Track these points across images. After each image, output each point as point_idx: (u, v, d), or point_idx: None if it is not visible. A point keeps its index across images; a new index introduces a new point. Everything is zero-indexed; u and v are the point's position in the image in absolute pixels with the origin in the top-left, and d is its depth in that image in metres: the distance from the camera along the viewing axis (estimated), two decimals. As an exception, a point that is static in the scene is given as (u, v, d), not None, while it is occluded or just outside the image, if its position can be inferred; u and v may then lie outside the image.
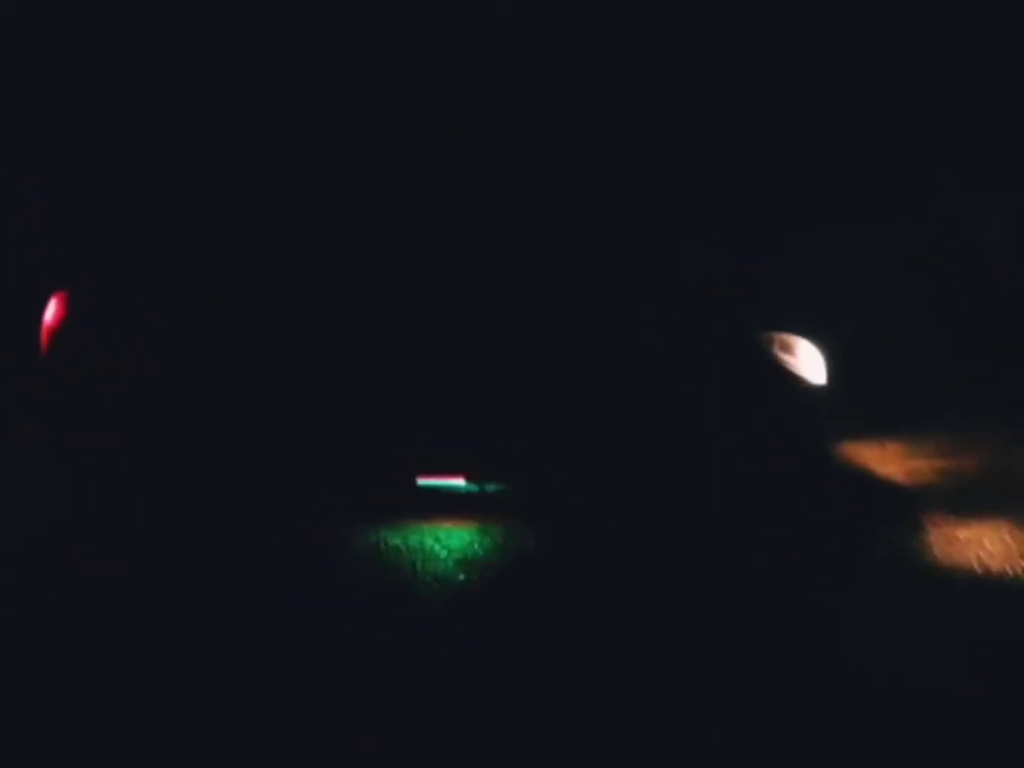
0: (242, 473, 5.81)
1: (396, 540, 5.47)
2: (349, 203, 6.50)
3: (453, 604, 4.75)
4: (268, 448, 5.86)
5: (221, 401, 5.83)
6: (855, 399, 6.68)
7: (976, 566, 5.12)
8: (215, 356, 5.86)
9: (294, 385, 5.89)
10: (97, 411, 5.75)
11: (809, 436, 6.18)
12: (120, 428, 5.75)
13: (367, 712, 3.86)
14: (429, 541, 5.44)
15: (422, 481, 6.12)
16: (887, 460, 6.97)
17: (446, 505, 6.10)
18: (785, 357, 6.16)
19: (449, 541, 5.44)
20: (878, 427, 7.55)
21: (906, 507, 6.05)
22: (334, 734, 3.69)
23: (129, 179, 7.10)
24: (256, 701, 3.91)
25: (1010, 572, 5.03)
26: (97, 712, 3.82)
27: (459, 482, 6.19)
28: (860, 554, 5.37)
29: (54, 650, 4.32)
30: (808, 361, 6.20)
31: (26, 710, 3.83)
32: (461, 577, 4.98)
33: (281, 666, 4.21)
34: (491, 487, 6.30)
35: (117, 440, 5.75)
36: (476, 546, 5.39)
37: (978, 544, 5.40)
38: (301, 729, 3.70)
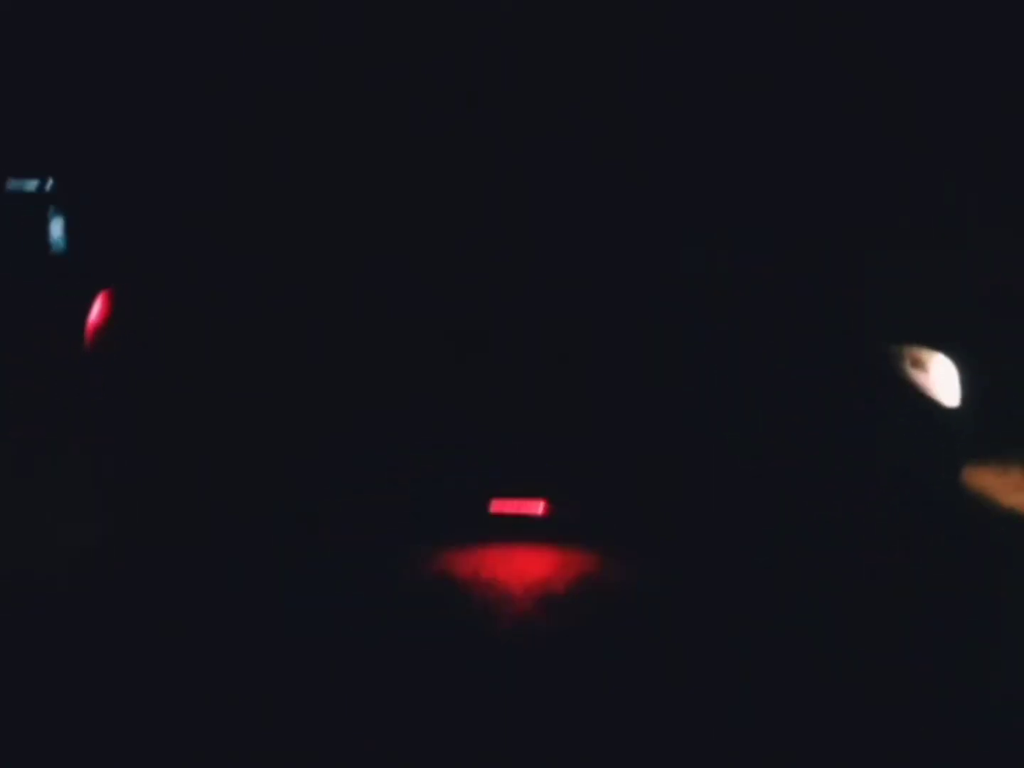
0: (296, 482, 5.63)
1: (465, 568, 5.13)
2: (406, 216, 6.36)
3: (531, 652, 4.35)
4: (334, 465, 5.63)
5: (268, 407, 5.72)
6: (979, 419, 5.89)
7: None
8: (260, 361, 5.76)
9: (352, 396, 5.64)
10: (143, 407, 5.73)
11: (935, 464, 5.49)
12: (164, 425, 5.71)
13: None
14: (503, 572, 5.08)
15: (495, 508, 5.56)
16: (1009, 488, 6.24)
17: (522, 532, 5.56)
18: (917, 374, 5.54)
19: (526, 572, 5.10)
20: (1001, 451, 6.67)
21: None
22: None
23: (168, 180, 7.08)
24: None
25: None
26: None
27: (538, 508, 5.59)
28: (975, 587, 5.04)
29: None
30: (943, 379, 5.57)
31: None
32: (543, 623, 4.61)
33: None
34: (575, 513, 5.64)
35: (159, 436, 5.71)
36: (557, 583, 5.00)
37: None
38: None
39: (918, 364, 5.58)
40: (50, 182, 6.84)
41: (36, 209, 7.46)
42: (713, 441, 5.56)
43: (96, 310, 5.72)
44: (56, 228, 7.13)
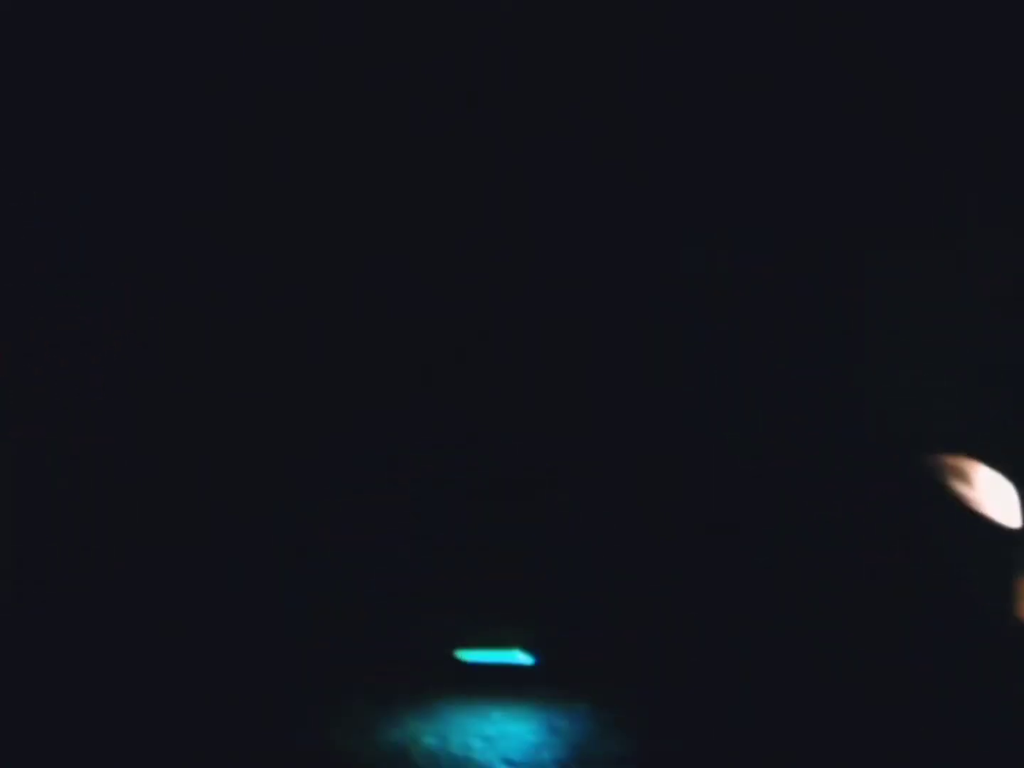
0: None
1: (430, 739, 3.80)
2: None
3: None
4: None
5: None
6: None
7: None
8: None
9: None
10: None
11: (993, 599, 4.46)
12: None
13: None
14: (478, 744, 3.76)
15: (464, 655, 4.45)
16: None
17: (498, 685, 4.28)
18: (963, 488, 4.56)
19: (507, 745, 3.75)
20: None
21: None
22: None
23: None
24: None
25: None
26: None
27: (517, 656, 4.43)
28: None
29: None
30: (994, 494, 4.55)
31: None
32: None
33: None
34: (561, 660, 4.42)
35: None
36: (547, 755, 3.67)
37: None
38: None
39: (962, 476, 4.64)
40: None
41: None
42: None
43: None
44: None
